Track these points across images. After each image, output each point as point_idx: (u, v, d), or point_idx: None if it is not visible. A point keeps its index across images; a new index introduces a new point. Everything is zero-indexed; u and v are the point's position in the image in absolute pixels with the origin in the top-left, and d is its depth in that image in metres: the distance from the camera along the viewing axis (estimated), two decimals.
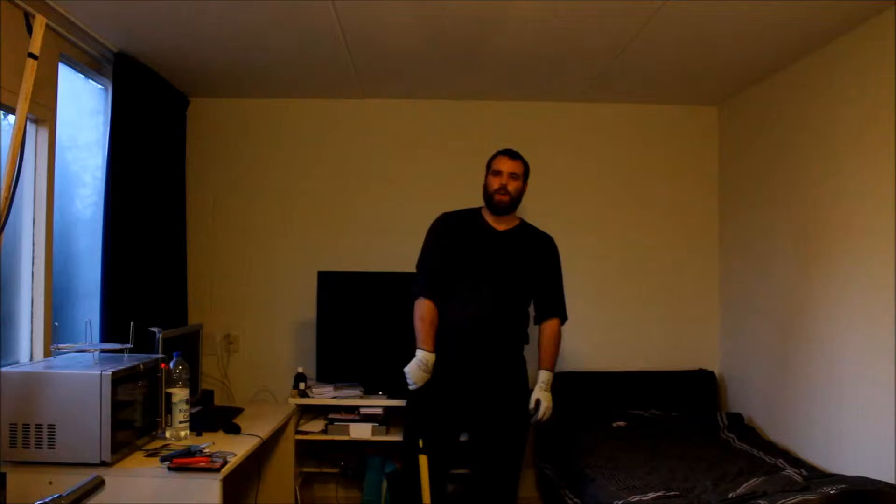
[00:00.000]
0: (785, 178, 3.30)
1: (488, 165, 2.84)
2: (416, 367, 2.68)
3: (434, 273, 2.75)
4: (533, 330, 2.92)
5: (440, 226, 2.85)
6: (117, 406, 2.31)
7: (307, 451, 3.68)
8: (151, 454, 2.44)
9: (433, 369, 2.72)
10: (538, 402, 2.75)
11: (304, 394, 3.58)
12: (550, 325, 2.86)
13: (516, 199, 2.79)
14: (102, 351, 2.58)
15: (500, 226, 2.82)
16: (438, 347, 2.73)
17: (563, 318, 2.90)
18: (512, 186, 2.75)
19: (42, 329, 2.60)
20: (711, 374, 3.89)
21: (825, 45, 2.96)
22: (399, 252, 3.51)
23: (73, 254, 3.01)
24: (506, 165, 2.77)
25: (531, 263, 2.81)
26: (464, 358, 2.72)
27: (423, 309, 2.73)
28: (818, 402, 3.02)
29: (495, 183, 2.76)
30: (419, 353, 2.69)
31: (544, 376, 2.79)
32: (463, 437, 2.82)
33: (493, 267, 2.75)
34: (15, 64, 2.28)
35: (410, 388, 2.71)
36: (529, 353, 2.90)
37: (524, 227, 2.89)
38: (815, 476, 2.64)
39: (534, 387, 2.83)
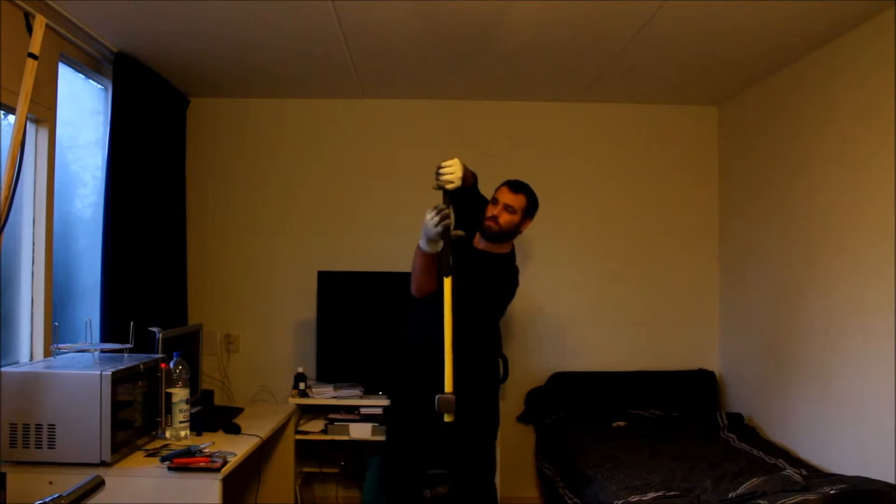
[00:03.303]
0: (785, 178, 3.30)
1: (496, 190, 2.78)
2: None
3: None
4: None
5: None
6: (117, 406, 2.31)
7: (307, 451, 3.68)
8: (151, 454, 2.44)
9: (404, 371, 2.76)
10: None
11: (304, 394, 3.58)
12: None
13: (506, 232, 2.71)
14: (102, 351, 2.59)
15: (481, 245, 2.76)
16: (407, 347, 2.77)
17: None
18: (504, 219, 2.68)
19: (42, 329, 2.61)
20: (711, 374, 3.89)
21: (825, 45, 2.96)
22: (399, 252, 3.51)
23: (73, 254, 3.01)
24: (505, 197, 2.70)
25: (487, 286, 2.69)
26: (427, 362, 2.61)
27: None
28: (818, 402, 3.02)
29: (489, 211, 2.72)
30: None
31: None
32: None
33: (458, 281, 2.48)
34: (15, 64, 2.28)
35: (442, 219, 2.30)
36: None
37: (505, 257, 2.77)
38: (815, 476, 2.64)
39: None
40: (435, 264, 2.45)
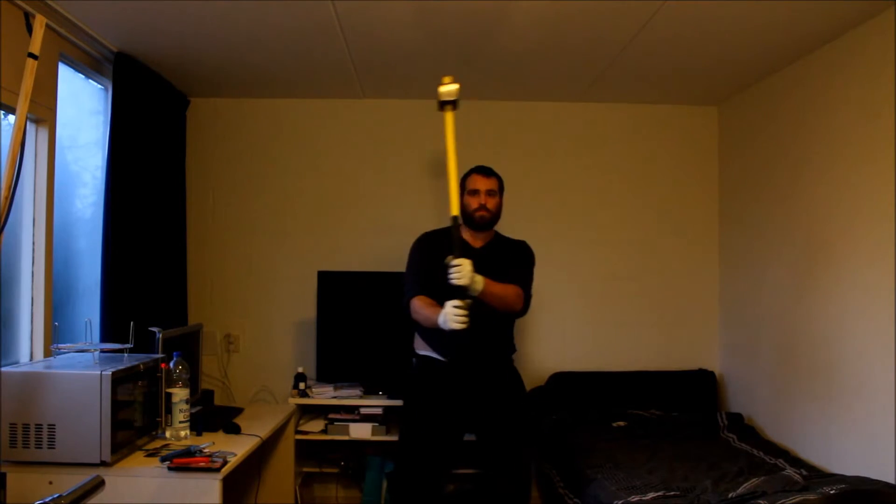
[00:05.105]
0: (785, 178, 3.30)
1: (463, 184, 2.82)
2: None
3: (420, 280, 2.74)
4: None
5: (420, 245, 2.87)
6: (117, 406, 2.31)
7: (307, 451, 3.68)
8: (151, 454, 2.44)
9: (425, 374, 2.77)
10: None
11: (304, 394, 3.58)
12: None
13: (496, 215, 2.81)
14: (102, 351, 2.59)
15: (477, 242, 2.83)
16: (426, 355, 2.79)
17: (523, 291, 2.72)
18: (491, 203, 2.77)
19: (42, 329, 2.61)
20: (711, 374, 3.89)
21: (825, 45, 2.96)
22: (399, 252, 3.50)
23: (73, 253, 3.01)
24: (482, 184, 2.78)
25: (505, 272, 2.73)
26: (452, 366, 2.74)
27: (419, 302, 2.67)
28: (818, 401, 3.02)
29: (474, 203, 2.77)
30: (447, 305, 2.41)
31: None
32: (468, 438, 2.82)
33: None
34: (15, 64, 2.28)
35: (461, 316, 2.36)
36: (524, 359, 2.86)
37: (499, 239, 2.90)
38: (815, 476, 2.64)
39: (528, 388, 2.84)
40: None
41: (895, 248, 2.53)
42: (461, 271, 2.38)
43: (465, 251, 2.69)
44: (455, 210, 2.45)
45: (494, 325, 2.73)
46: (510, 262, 2.81)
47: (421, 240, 2.90)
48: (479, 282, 2.45)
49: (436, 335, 2.71)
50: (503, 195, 2.87)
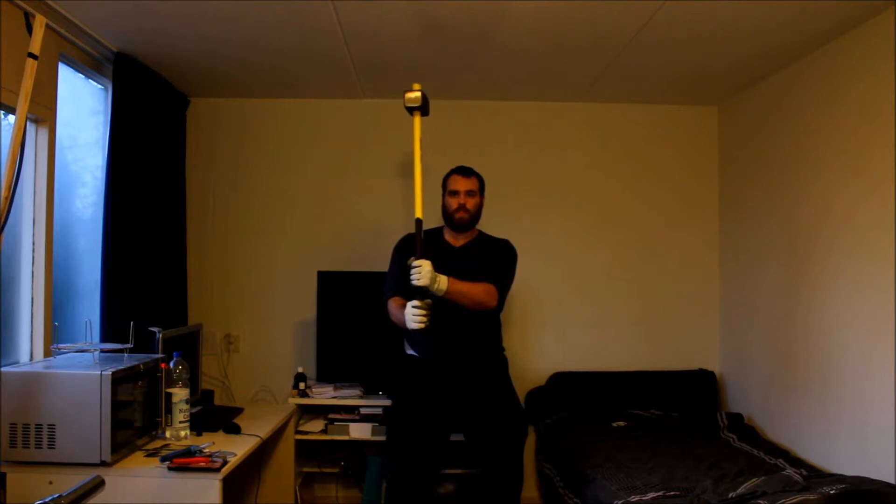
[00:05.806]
0: (785, 178, 3.30)
1: (444, 184, 2.87)
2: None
3: (396, 282, 2.77)
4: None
5: (399, 247, 2.90)
6: (117, 406, 2.31)
7: (307, 451, 3.68)
8: (151, 454, 2.44)
9: (410, 374, 2.79)
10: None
11: (304, 394, 3.58)
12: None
13: (476, 215, 2.83)
14: (102, 351, 2.59)
15: (458, 241, 2.85)
16: (410, 354, 2.81)
17: (496, 287, 2.70)
18: (470, 204, 2.79)
19: (42, 329, 2.60)
20: (711, 374, 3.89)
21: (825, 45, 2.96)
22: None
23: (73, 253, 3.01)
24: (461, 185, 2.80)
25: (484, 270, 2.75)
26: (432, 365, 2.76)
27: (393, 304, 2.73)
28: (818, 401, 3.02)
29: (454, 203, 2.80)
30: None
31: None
32: (455, 438, 2.83)
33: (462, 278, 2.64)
34: (15, 64, 2.28)
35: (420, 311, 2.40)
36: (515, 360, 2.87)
37: (482, 238, 2.91)
38: (815, 476, 2.64)
39: (519, 389, 2.85)
40: None
41: (895, 249, 2.53)
42: (421, 272, 2.41)
43: (444, 251, 2.78)
44: (419, 212, 2.49)
45: (471, 324, 2.74)
46: (489, 260, 2.82)
47: (400, 242, 2.93)
48: (443, 282, 2.47)
49: (412, 335, 2.74)
50: (484, 194, 2.88)
